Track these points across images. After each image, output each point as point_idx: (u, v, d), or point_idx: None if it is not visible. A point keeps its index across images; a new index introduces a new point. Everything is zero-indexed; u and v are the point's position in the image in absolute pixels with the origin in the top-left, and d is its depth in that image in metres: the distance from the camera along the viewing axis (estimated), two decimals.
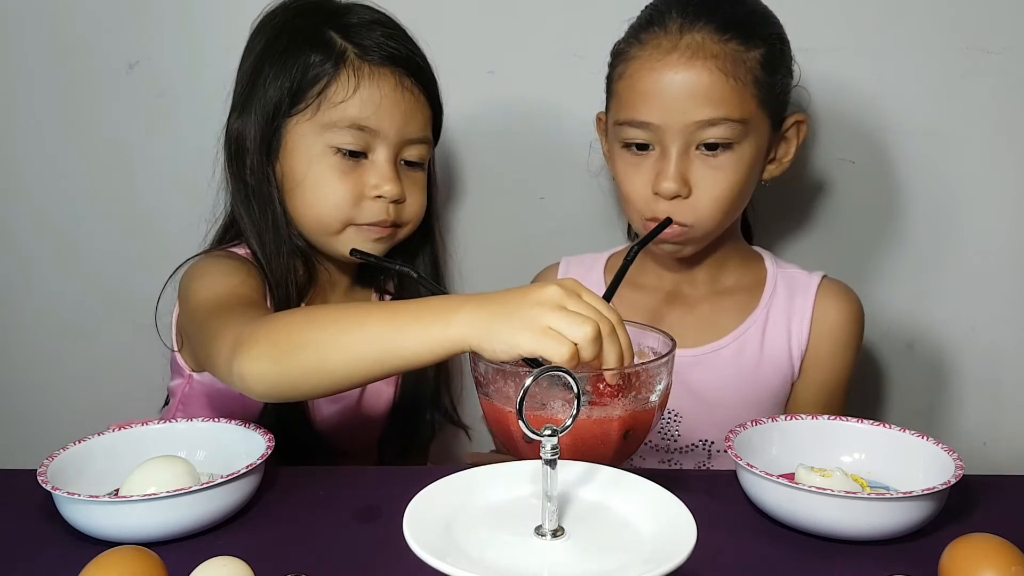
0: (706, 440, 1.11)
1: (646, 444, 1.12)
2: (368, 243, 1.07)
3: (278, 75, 1.04)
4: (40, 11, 1.34)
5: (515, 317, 0.72)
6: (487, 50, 1.32)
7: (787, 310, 1.11)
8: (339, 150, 1.04)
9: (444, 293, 0.77)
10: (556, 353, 0.69)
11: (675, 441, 1.11)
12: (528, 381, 0.58)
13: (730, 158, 1.01)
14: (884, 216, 1.32)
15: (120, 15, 1.32)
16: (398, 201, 1.07)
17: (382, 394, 1.18)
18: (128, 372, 1.38)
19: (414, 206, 1.10)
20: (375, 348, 0.77)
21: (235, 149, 1.07)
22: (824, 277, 1.13)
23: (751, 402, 1.10)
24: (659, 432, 1.11)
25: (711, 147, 1.00)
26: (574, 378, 0.59)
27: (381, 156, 1.05)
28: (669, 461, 1.12)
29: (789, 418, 0.90)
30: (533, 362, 0.76)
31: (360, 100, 1.03)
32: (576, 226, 1.35)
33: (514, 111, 1.34)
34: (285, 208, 1.07)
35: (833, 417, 0.90)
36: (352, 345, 0.77)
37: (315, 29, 1.05)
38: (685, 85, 0.98)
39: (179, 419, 0.94)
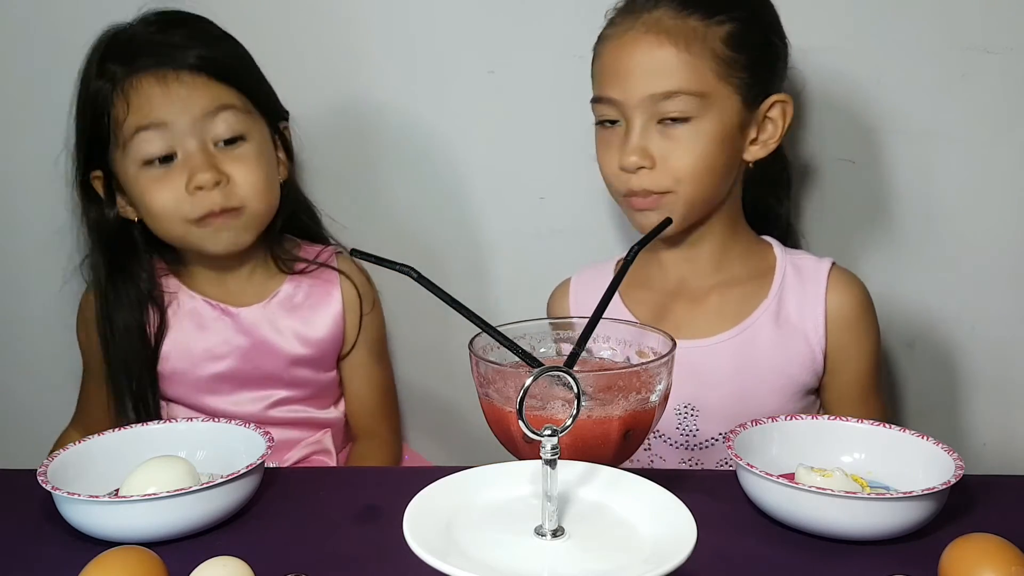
0: (726, 433, 1.10)
1: (665, 442, 1.12)
2: (220, 234, 1.12)
3: (85, 126, 1.13)
4: (41, 11, 1.34)
5: None
6: (487, 50, 1.32)
7: (799, 297, 1.11)
8: (146, 161, 1.10)
9: (447, 296, 0.76)
10: None
11: (694, 436, 1.11)
12: (528, 381, 0.58)
13: (689, 131, 1.04)
14: (884, 216, 1.32)
15: (120, 15, 1.32)
16: (222, 183, 1.10)
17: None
18: None
19: (246, 183, 1.12)
20: None
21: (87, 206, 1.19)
22: (833, 265, 1.13)
23: (767, 391, 1.09)
24: (677, 428, 1.11)
25: (671, 120, 1.04)
26: (574, 378, 0.59)
27: (188, 148, 1.09)
28: (691, 460, 1.12)
29: (789, 418, 0.90)
30: (533, 361, 0.76)
31: (136, 108, 1.09)
32: (576, 226, 1.35)
33: (514, 111, 1.34)
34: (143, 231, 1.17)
35: (833, 417, 0.90)
36: None
37: (96, 64, 1.13)
38: (641, 60, 1.04)
39: (179, 419, 0.95)
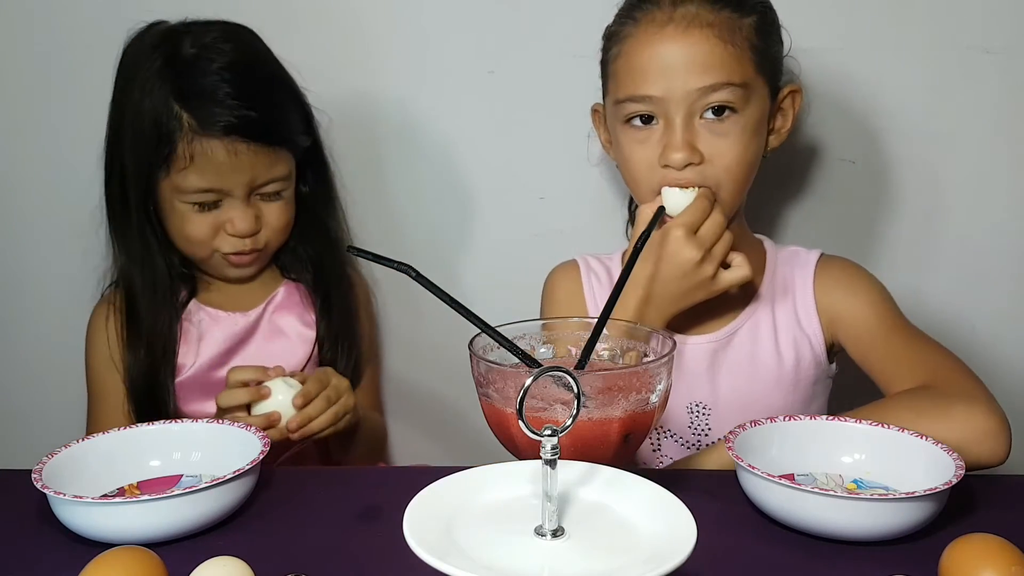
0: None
1: (677, 442, 1.12)
2: (241, 269, 1.20)
3: (137, 136, 1.13)
4: (41, 11, 1.34)
5: None
6: (487, 50, 1.32)
7: (789, 283, 1.12)
8: (193, 202, 1.14)
9: (446, 295, 0.76)
10: None
11: (706, 436, 1.11)
12: (528, 381, 0.58)
13: (735, 124, 1.02)
14: (883, 216, 1.32)
15: (120, 15, 1.32)
16: (255, 232, 1.17)
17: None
18: None
19: (271, 228, 1.19)
20: None
21: (116, 199, 1.18)
22: (822, 254, 1.13)
23: (774, 381, 1.09)
24: (689, 427, 1.11)
25: (718, 111, 1.01)
26: (574, 378, 0.59)
27: (233, 202, 1.15)
28: None
29: (788, 418, 0.90)
30: (532, 362, 0.76)
31: (197, 169, 1.11)
32: (576, 226, 1.35)
33: (514, 111, 1.34)
34: (161, 240, 1.18)
35: (832, 417, 0.90)
36: None
37: (163, 96, 1.11)
38: (684, 54, 1.01)
39: (177, 420, 0.95)
